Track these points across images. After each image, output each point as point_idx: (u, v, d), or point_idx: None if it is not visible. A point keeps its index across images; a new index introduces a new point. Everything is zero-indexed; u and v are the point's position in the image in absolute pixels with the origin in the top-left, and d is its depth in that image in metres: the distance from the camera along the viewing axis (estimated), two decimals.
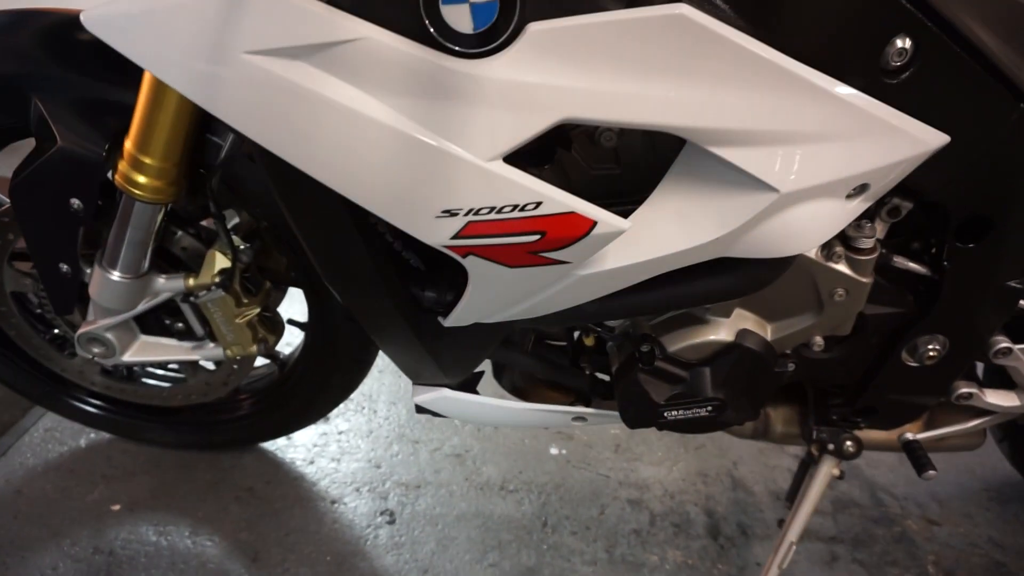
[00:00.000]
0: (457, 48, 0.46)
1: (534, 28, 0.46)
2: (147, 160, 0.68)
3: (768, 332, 0.70)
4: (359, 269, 0.62)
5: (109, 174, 0.72)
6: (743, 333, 0.69)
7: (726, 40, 0.47)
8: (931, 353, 0.71)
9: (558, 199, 0.50)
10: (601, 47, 0.47)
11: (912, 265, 0.68)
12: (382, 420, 1.19)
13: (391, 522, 1.02)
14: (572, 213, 0.51)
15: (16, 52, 0.72)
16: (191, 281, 0.81)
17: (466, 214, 0.51)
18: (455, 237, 0.52)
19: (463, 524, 1.02)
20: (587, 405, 0.83)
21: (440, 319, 0.66)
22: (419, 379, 0.80)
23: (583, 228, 0.52)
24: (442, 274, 0.65)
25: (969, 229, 0.63)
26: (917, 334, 0.71)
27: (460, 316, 0.63)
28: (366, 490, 1.07)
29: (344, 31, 0.46)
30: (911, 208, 0.62)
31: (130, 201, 0.72)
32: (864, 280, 0.65)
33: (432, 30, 0.45)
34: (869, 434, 0.84)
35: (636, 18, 0.46)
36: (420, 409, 0.85)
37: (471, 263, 0.55)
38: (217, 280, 0.80)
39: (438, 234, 0.52)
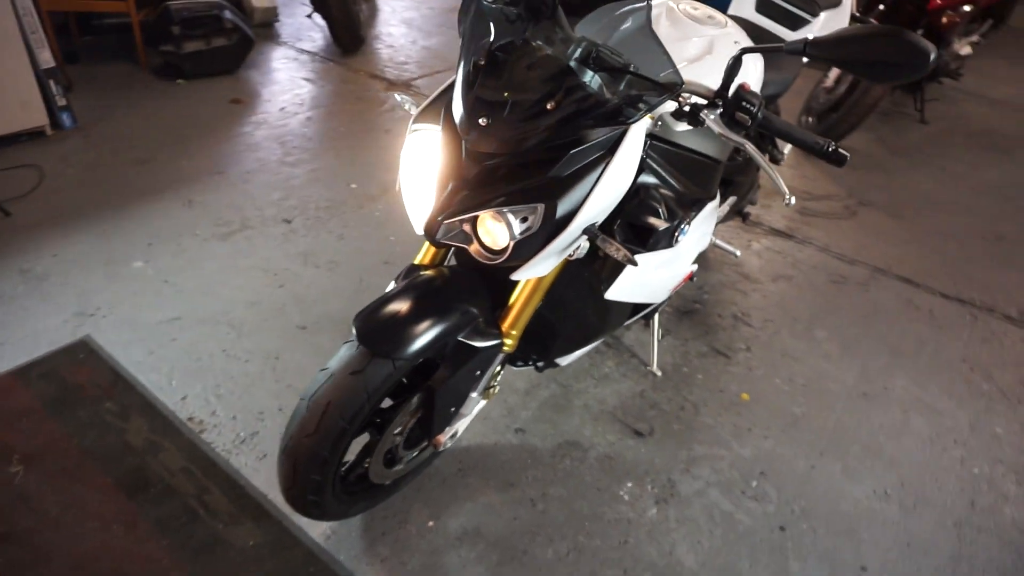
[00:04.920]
0: None
1: None
2: (515, 332, 1.42)
3: None
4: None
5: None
6: None
7: None
8: None
9: None
10: None
11: None
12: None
13: (522, 431, 1.95)
14: None
15: (457, 306, 1.31)
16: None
17: None
18: None
19: (562, 433, 2.02)
20: None
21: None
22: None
23: None
24: None
25: None
26: None
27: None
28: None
29: None
30: None
31: (499, 351, 1.43)
32: None
33: None
34: None
35: None
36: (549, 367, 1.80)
37: None
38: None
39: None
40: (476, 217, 1.17)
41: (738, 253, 2.26)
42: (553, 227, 1.16)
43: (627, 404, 2.08)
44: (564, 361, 1.77)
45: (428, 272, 1.42)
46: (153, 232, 2.67)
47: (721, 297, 2.59)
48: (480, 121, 1.12)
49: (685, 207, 1.47)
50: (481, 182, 1.16)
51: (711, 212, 1.62)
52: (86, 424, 1.86)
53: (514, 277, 1.23)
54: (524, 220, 1.15)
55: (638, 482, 1.84)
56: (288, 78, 4.20)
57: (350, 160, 3.33)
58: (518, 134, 1.12)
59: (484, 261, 1.20)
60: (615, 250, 1.19)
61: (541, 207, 1.14)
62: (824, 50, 1.08)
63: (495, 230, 1.17)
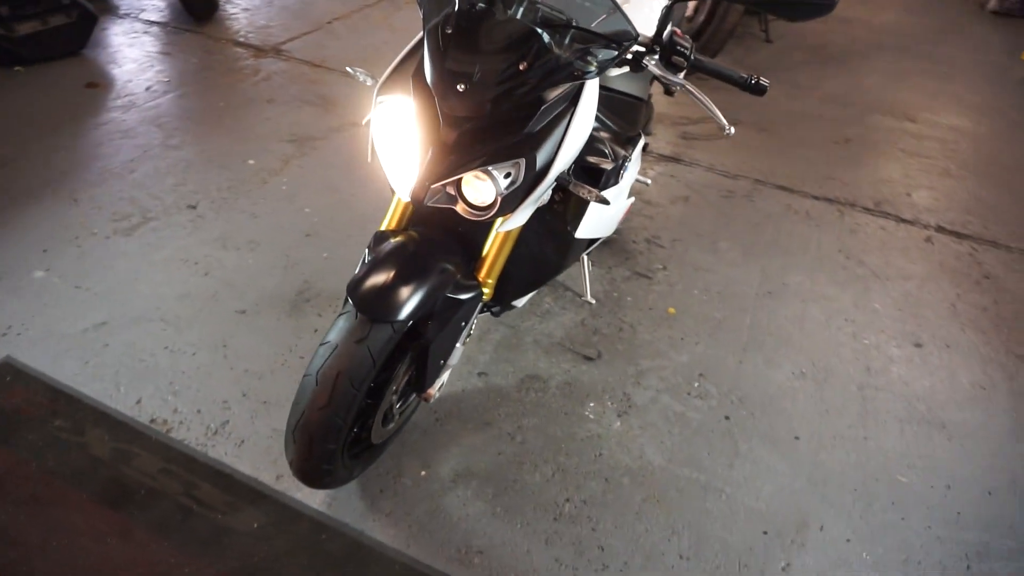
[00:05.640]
0: None
1: None
2: (491, 281, 1.52)
3: None
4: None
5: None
6: None
7: None
8: None
9: None
10: None
11: None
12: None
13: (484, 374, 2.07)
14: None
15: (438, 265, 1.38)
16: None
17: None
18: None
19: (533, 361, 2.15)
20: None
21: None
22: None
23: None
24: None
25: None
26: None
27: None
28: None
29: None
30: None
31: (480, 300, 1.53)
32: None
33: None
34: None
35: None
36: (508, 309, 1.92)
37: None
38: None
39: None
40: (461, 178, 1.25)
41: (649, 182, 2.46)
42: (533, 179, 1.26)
43: (572, 334, 2.24)
44: (520, 302, 1.89)
45: (400, 237, 1.48)
46: (44, 237, 2.48)
47: (632, 224, 2.80)
48: (458, 87, 1.18)
49: (623, 145, 1.61)
50: (461, 144, 1.23)
51: (640, 147, 1.77)
52: (40, 446, 1.78)
53: (500, 229, 1.33)
54: (508, 176, 1.24)
55: (598, 401, 2.03)
56: (144, 54, 3.89)
57: (240, 136, 3.20)
58: (493, 96, 1.19)
59: (471, 217, 1.28)
60: (587, 192, 1.31)
61: (522, 162, 1.23)
62: None
63: (482, 188, 1.25)
